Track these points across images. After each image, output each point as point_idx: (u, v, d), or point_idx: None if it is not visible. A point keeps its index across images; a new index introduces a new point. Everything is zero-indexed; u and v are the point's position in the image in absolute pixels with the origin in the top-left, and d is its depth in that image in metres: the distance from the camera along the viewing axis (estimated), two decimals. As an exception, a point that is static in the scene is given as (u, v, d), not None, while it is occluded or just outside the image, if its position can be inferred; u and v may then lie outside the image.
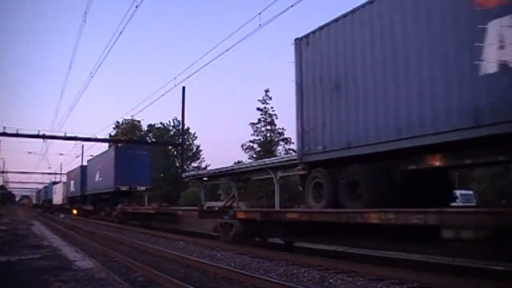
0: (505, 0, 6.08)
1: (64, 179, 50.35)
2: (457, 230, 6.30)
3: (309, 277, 7.72)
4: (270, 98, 48.67)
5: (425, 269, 7.57)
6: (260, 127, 56.21)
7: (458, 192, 29.17)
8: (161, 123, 55.52)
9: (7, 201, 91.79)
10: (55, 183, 56.75)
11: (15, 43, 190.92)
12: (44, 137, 29.38)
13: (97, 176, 29.77)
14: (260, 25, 13.36)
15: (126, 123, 54.16)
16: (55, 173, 64.90)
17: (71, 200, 40.01)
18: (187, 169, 47.79)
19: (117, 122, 54.99)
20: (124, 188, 25.29)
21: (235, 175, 23.12)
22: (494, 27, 6.12)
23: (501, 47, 6.07)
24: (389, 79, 7.86)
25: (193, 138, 55.91)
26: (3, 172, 63.75)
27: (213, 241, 13.60)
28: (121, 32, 16.11)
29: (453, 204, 9.84)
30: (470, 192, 27.57)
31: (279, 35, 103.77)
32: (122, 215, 23.67)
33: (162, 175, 49.94)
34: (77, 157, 48.97)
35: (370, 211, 7.65)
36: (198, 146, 57.16)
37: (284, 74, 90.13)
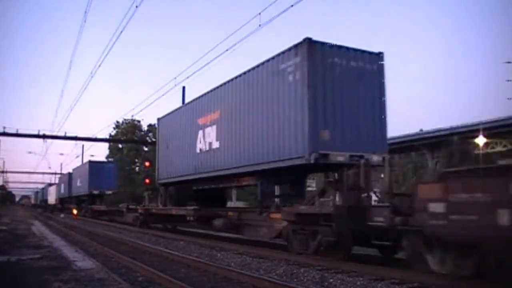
0: (204, 123, 14.67)
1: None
2: (189, 217, 15.57)
3: (309, 277, 7.72)
4: (270, 98, 48.72)
5: (425, 269, 7.56)
6: (260, 127, 56.07)
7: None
8: (161, 123, 55.37)
9: (7, 201, 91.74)
10: (50, 185, 62.28)
11: (15, 43, 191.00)
12: (44, 137, 29.38)
13: (78, 182, 37.89)
14: (260, 25, 13.34)
15: (126, 123, 54.08)
16: (55, 173, 64.74)
17: (61, 201, 47.35)
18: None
19: (117, 122, 54.92)
20: (96, 192, 33.65)
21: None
22: (200, 133, 14.92)
23: (200, 142, 14.86)
24: (181, 149, 16.76)
25: (193, 138, 55.77)
26: (3, 172, 63.72)
27: (213, 241, 13.64)
28: (121, 32, 16.13)
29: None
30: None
31: (279, 35, 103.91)
32: (92, 212, 32.75)
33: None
34: (77, 157, 49.05)
35: (172, 208, 17.55)
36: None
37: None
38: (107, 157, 54.51)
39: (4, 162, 66.26)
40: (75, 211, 37.68)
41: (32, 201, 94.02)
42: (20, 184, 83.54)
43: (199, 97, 15.35)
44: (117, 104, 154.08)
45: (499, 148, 23.20)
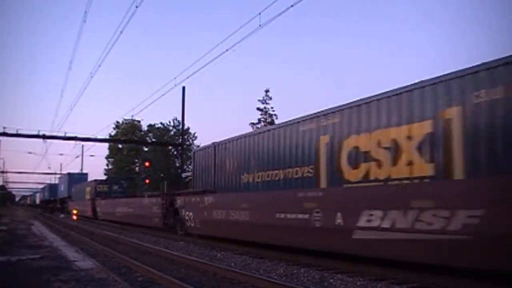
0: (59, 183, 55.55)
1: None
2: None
3: (309, 277, 7.73)
4: (270, 98, 48.74)
5: (425, 269, 7.57)
6: (260, 127, 56.17)
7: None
8: (161, 123, 55.43)
9: (7, 201, 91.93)
10: (37, 192, 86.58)
11: (15, 43, 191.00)
12: (44, 137, 29.34)
13: (46, 192, 64.66)
14: (260, 25, 13.44)
15: (126, 123, 54.04)
16: (55, 173, 65.15)
17: (41, 202, 72.35)
18: (187, 169, 47.76)
19: (117, 122, 54.90)
20: (52, 198, 56.50)
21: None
22: (61, 185, 54.16)
23: (62, 188, 53.06)
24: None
25: (193, 138, 55.85)
26: (3, 172, 63.94)
27: (213, 241, 13.65)
28: (121, 32, 16.22)
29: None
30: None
31: (279, 35, 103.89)
32: (50, 209, 57.80)
33: (162, 175, 49.91)
34: (77, 157, 49.39)
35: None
36: (198, 146, 56.97)
37: (284, 74, 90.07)
38: (107, 157, 54.57)
39: (4, 162, 67.65)
40: (75, 211, 38.24)
41: (28, 202, 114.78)
42: (20, 184, 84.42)
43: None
44: (117, 104, 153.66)
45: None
